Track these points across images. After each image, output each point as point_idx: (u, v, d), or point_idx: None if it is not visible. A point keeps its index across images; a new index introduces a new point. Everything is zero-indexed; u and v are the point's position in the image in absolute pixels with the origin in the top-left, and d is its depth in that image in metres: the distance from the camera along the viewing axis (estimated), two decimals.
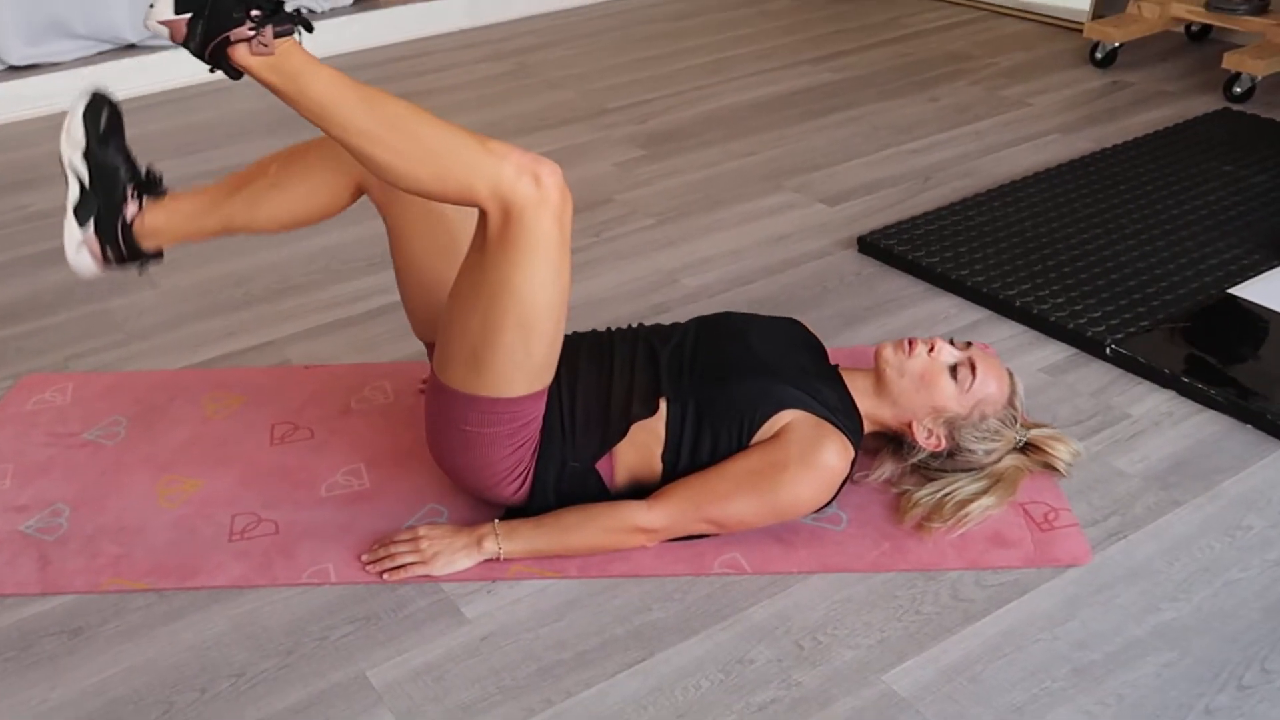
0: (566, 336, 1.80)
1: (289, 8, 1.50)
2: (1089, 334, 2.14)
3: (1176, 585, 1.62)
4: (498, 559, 1.68)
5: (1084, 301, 2.25)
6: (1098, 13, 3.80)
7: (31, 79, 3.59)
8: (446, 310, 1.64)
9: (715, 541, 1.71)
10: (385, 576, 1.68)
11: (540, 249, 1.52)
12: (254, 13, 1.45)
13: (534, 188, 1.50)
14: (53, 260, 2.66)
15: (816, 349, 1.87)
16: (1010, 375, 1.79)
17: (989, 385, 1.75)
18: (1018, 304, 2.25)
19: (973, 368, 1.75)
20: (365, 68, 3.84)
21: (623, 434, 1.70)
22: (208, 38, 1.46)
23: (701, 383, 1.71)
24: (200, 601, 1.66)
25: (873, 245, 2.52)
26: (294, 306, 2.44)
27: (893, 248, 2.48)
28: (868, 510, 1.78)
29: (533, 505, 1.72)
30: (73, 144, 1.73)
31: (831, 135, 3.16)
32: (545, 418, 1.70)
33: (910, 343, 1.77)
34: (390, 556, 1.70)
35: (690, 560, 1.69)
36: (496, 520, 1.71)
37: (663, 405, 1.70)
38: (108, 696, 1.52)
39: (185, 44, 1.49)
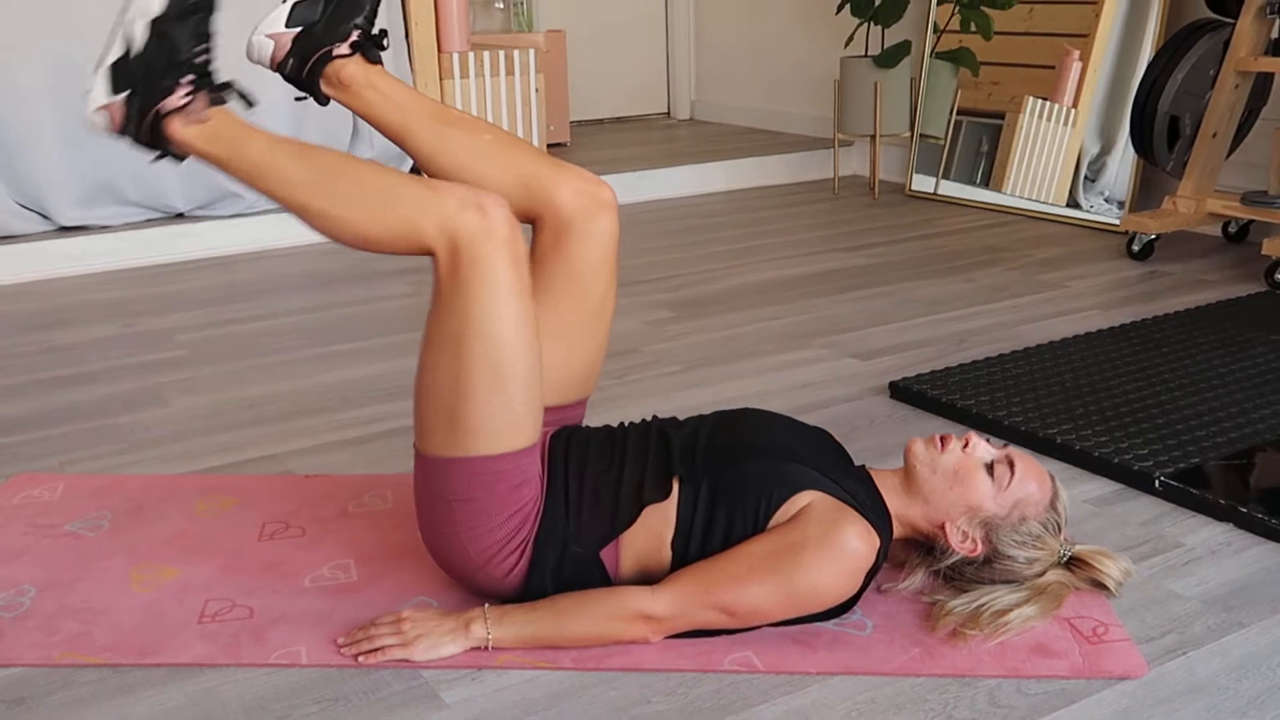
0: (577, 429, 1.71)
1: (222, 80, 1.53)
2: (1136, 468, 2.01)
3: (1247, 701, 1.43)
4: (486, 647, 1.53)
5: (1129, 440, 2.12)
6: (1134, 209, 3.82)
7: (79, 238, 3.66)
8: (418, 374, 1.56)
9: (726, 639, 1.55)
10: (361, 659, 1.53)
11: (495, 282, 1.47)
12: (184, 80, 1.47)
13: (479, 218, 1.46)
14: (66, 385, 2.63)
15: (843, 453, 1.75)
16: (1052, 479, 1.66)
17: (1029, 485, 1.62)
18: (1059, 440, 2.13)
19: (1011, 465, 1.62)
20: None
21: (633, 519, 1.57)
22: (144, 113, 1.48)
23: (717, 463, 1.60)
24: (157, 678, 1.51)
25: (905, 390, 2.42)
26: (303, 426, 2.36)
27: (926, 391, 2.39)
28: (896, 618, 1.62)
29: (529, 593, 1.58)
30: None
31: (862, 306, 3.12)
32: (548, 498, 1.58)
33: (943, 438, 1.66)
34: (369, 638, 1.55)
35: (697, 657, 1.52)
36: (487, 605, 1.57)
37: (675, 487, 1.58)
38: None
39: (124, 130, 1.51)
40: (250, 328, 3.02)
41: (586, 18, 5.81)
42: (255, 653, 1.55)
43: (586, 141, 5.41)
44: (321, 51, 1.59)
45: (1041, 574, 1.63)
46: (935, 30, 4.47)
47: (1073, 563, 1.66)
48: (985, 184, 4.40)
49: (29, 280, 3.54)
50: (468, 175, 1.66)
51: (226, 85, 1.53)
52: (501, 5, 5.39)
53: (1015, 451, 1.65)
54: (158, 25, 1.51)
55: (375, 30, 1.66)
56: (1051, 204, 4.14)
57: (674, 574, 1.55)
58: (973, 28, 4.33)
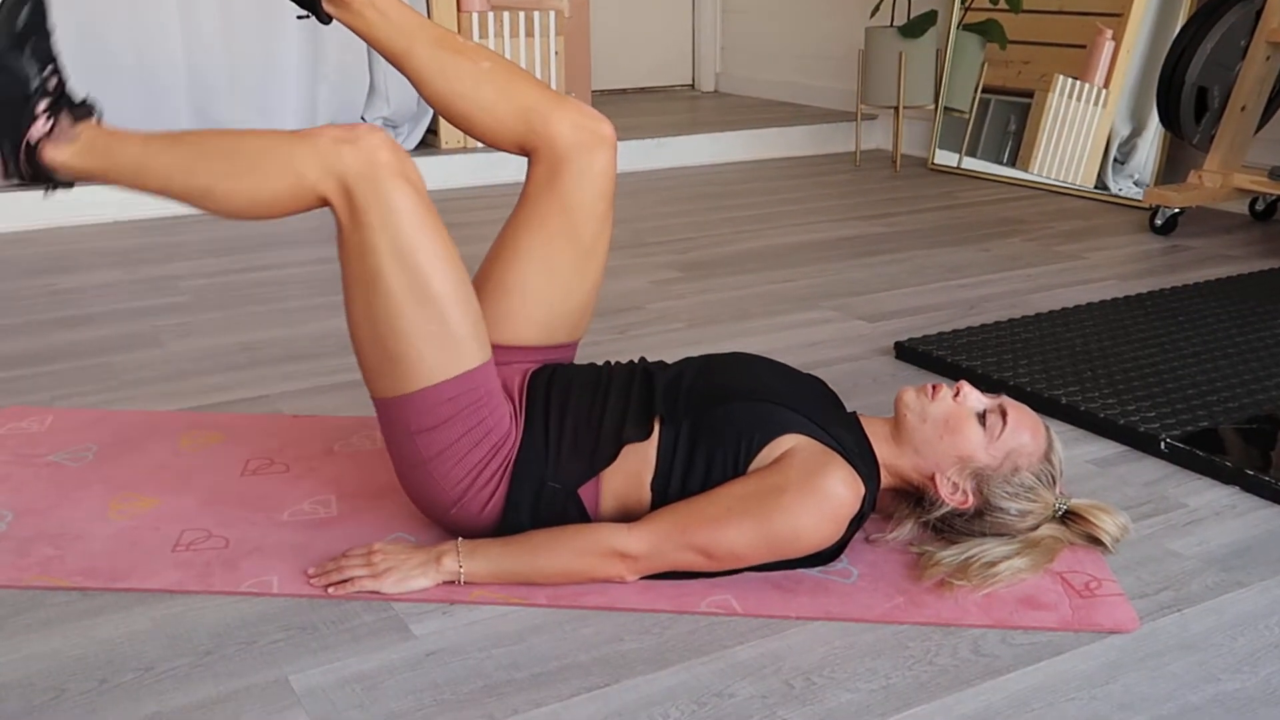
0: (561, 366, 1.67)
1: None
2: (1141, 429, 1.95)
3: (1240, 659, 1.38)
4: (457, 581, 1.49)
5: (1136, 403, 2.06)
6: (1159, 183, 3.74)
7: (90, 188, 3.63)
8: (349, 325, 1.53)
9: (706, 582, 1.51)
10: (331, 590, 1.50)
11: (393, 209, 1.44)
12: (40, 106, 1.47)
13: (356, 151, 1.44)
14: (65, 325, 2.61)
15: (834, 400, 1.70)
16: (1047, 430, 1.60)
17: (1022, 435, 1.56)
18: (1063, 401, 2.07)
19: (1003, 414, 1.57)
20: None
21: (613, 457, 1.54)
22: (16, 150, 1.47)
23: (700, 404, 1.55)
24: (125, 602, 1.49)
25: (910, 350, 2.37)
26: (296, 370, 2.33)
27: (931, 352, 2.33)
28: (882, 567, 1.57)
29: (505, 530, 1.55)
30: None
31: (875, 271, 3.07)
32: (526, 432, 1.55)
33: (934, 387, 1.61)
34: (339, 569, 1.52)
35: (674, 598, 1.48)
36: (460, 538, 1.53)
37: (657, 427, 1.54)
38: None
39: (7, 173, 1.50)
40: (251, 277, 3.00)
41: None
42: (226, 581, 1.53)
43: (608, 110, 5.35)
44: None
45: (1034, 528, 1.58)
46: (963, 2, 4.39)
47: (1068, 517, 1.61)
48: (1012, 163, 4.33)
49: (35, 228, 3.53)
50: (465, 102, 1.63)
51: (84, 101, 1.53)
52: None
53: (1008, 401, 1.59)
54: None
55: None
56: (1079, 185, 4.06)
57: (652, 513, 1.51)
58: (1001, 1, 4.25)
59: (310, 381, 2.27)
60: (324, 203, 1.47)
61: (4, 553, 1.60)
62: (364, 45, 4.02)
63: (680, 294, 2.86)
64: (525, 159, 1.68)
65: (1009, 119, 4.37)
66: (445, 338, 1.48)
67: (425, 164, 4.12)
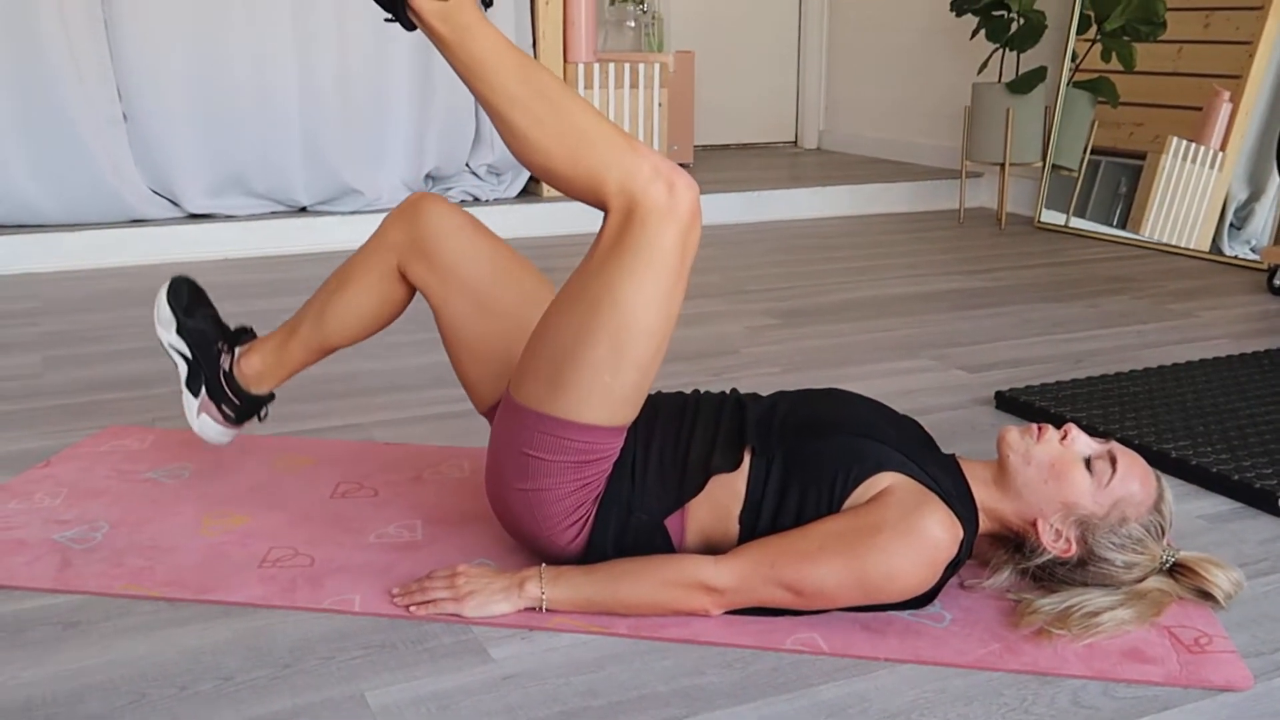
0: (650, 395, 1.65)
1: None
2: (1258, 486, 1.86)
3: None
4: (540, 607, 1.47)
5: (1252, 459, 1.97)
6: (1277, 241, 3.61)
7: (207, 226, 3.76)
8: (540, 322, 1.51)
9: (790, 620, 1.47)
10: (413, 609, 1.49)
11: (655, 262, 1.40)
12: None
13: (666, 194, 1.40)
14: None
15: (930, 441, 1.65)
16: (1158, 478, 1.53)
17: (1131, 483, 1.49)
18: (1173, 455, 1.99)
19: (1113, 461, 1.50)
20: (520, 248, 3.91)
21: (700, 488, 1.51)
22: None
23: (795, 436, 1.52)
24: (210, 613, 1.50)
25: (1011, 400, 2.30)
26: (391, 400, 2.35)
27: (1034, 402, 2.26)
28: (977, 612, 1.51)
29: (589, 558, 1.52)
30: (165, 325, 1.81)
31: (977, 323, 3.00)
32: (616, 463, 1.53)
33: (1040, 428, 1.55)
34: (422, 590, 1.51)
35: (758, 634, 1.44)
36: (543, 564, 1.51)
37: (747, 458, 1.51)
38: (79, 682, 1.34)
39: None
40: None
41: (717, 41, 5.80)
42: (309, 597, 1.53)
43: (710, 163, 5.38)
44: None
45: (1140, 579, 1.50)
46: (1074, 59, 4.32)
47: (1176, 570, 1.53)
48: (1122, 225, 4.22)
49: (156, 262, 3.65)
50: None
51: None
52: (633, 24, 5.41)
53: (1118, 447, 1.53)
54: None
55: None
56: (1193, 249, 3.94)
57: (741, 546, 1.47)
58: (1114, 59, 4.18)
59: (405, 412, 2.28)
60: (603, 208, 1.44)
61: (98, 561, 1.62)
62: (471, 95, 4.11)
63: (777, 339, 2.83)
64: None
65: (1120, 181, 4.27)
66: (612, 391, 1.46)
67: (527, 211, 4.17)
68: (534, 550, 1.57)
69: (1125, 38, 4.15)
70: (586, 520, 1.51)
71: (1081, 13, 4.31)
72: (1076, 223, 4.33)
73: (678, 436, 1.55)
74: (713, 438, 1.54)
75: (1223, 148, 3.93)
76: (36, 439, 2.12)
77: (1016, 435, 1.56)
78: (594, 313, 1.43)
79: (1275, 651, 1.43)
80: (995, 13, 4.31)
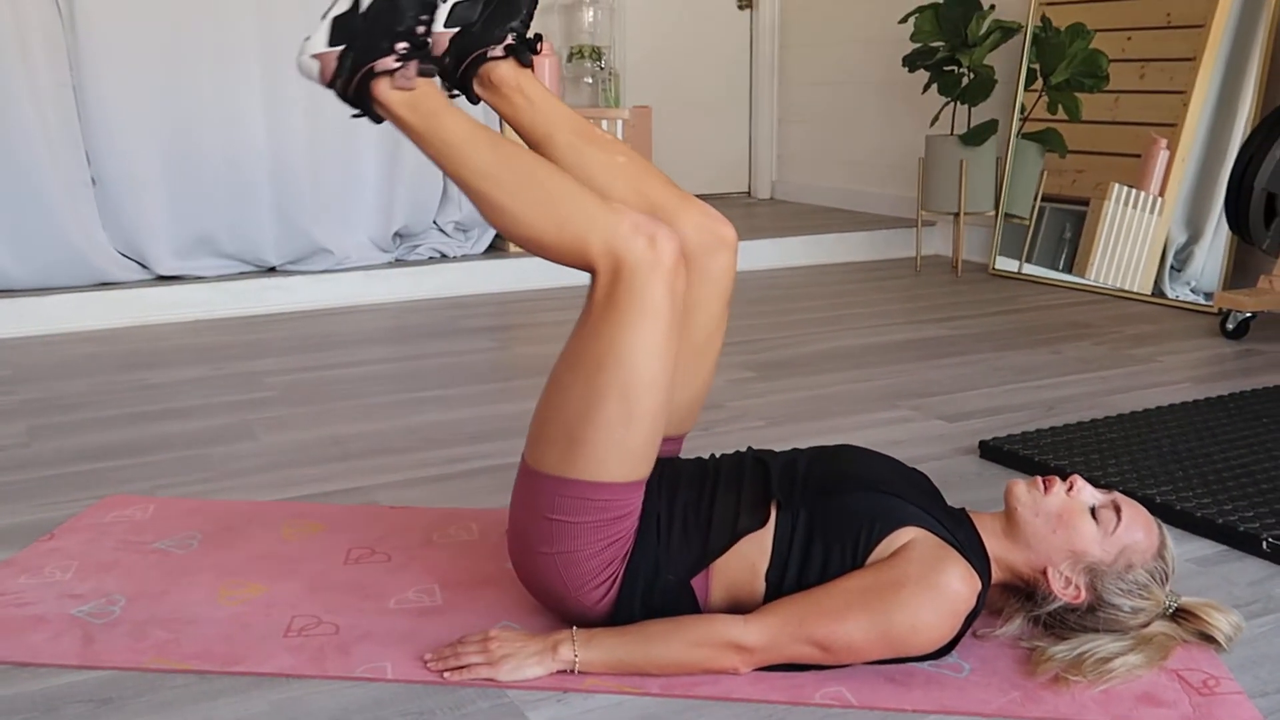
0: (668, 460, 1.69)
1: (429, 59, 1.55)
2: (1242, 529, 1.94)
3: None
4: (572, 670, 1.50)
5: (1232, 503, 2.05)
6: (1227, 287, 3.75)
7: (175, 288, 3.75)
8: (546, 390, 1.55)
9: (816, 674, 1.51)
10: (446, 675, 1.51)
11: (648, 313, 1.45)
12: (400, 46, 1.50)
13: (648, 248, 1.45)
14: (158, 419, 2.67)
15: (939, 495, 1.71)
16: (1159, 527, 1.60)
17: (1135, 531, 1.56)
18: (1158, 500, 2.06)
19: (1117, 510, 1.57)
20: (489, 304, 3.95)
21: (727, 547, 1.55)
22: (355, 68, 1.51)
23: (816, 494, 1.57)
24: (242, 686, 1.51)
25: (995, 449, 2.38)
26: (388, 463, 2.37)
27: (1018, 451, 2.34)
28: (993, 662, 1.56)
29: (617, 619, 1.56)
30: None
31: (948, 372, 3.08)
32: (642, 526, 1.56)
33: (1046, 481, 1.61)
34: (455, 656, 1.53)
35: (787, 689, 1.48)
36: (575, 627, 1.54)
37: (773, 515, 1.55)
38: None
39: (332, 83, 1.55)
40: (337, 374, 3.06)
41: (673, 96, 5.91)
42: (340, 665, 1.54)
43: None
44: (477, 52, 1.61)
45: (1146, 624, 1.57)
46: (1022, 112, 4.47)
47: (1179, 614, 1.60)
48: (1068, 269, 4.36)
49: (126, 325, 3.63)
50: (598, 193, 1.67)
51: (438, 60, 1.57)
52: (591, 80, 5.50)
53: (1121, 497, 1.60)
54: None
55: (529, 35, 1.69)
56: (1137, 291, 4.07)
57: (768, 605, 1.52)
58: (1060, 111, 4.33)
59: (402, 475, 2.30)
60: (590, 270, 1.49)
61: (120, 636, 1.62)
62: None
63: (758, 393, 2.89)
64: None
65: (1064, 226, 4.41)
66: (627, 446, 1.50)
67: (493, 267, 4.21)
68: (560, 612, 1.60)
69: (1071, 90, 4.30)
70: (614, 580, 1.54)
71: (1029, 67, 4.47)
72: (1028, 269, 4.46)
73: (700, 497, 1.59)
74: (737, 496, 1.58)
75: (1161, 193, 4.08)
76: (34, 511, 2.11)
77: (1024, 488, 1.62)
78: (599, 372, 1.47)
79: (1278, 691, 1.50)
80: (947, 68, 4.45)
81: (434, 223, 4.24)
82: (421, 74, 1.53)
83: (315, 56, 1.54)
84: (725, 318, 1.72)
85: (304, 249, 3.95)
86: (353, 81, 1.52)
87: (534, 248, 1.51)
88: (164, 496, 2.17)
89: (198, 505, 2.12)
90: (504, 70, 1.68)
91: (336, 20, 1.53)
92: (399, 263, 4.16)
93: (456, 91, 1.71)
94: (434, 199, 4.20)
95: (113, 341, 3.43)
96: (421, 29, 1.56)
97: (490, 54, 1.66)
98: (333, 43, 1.52)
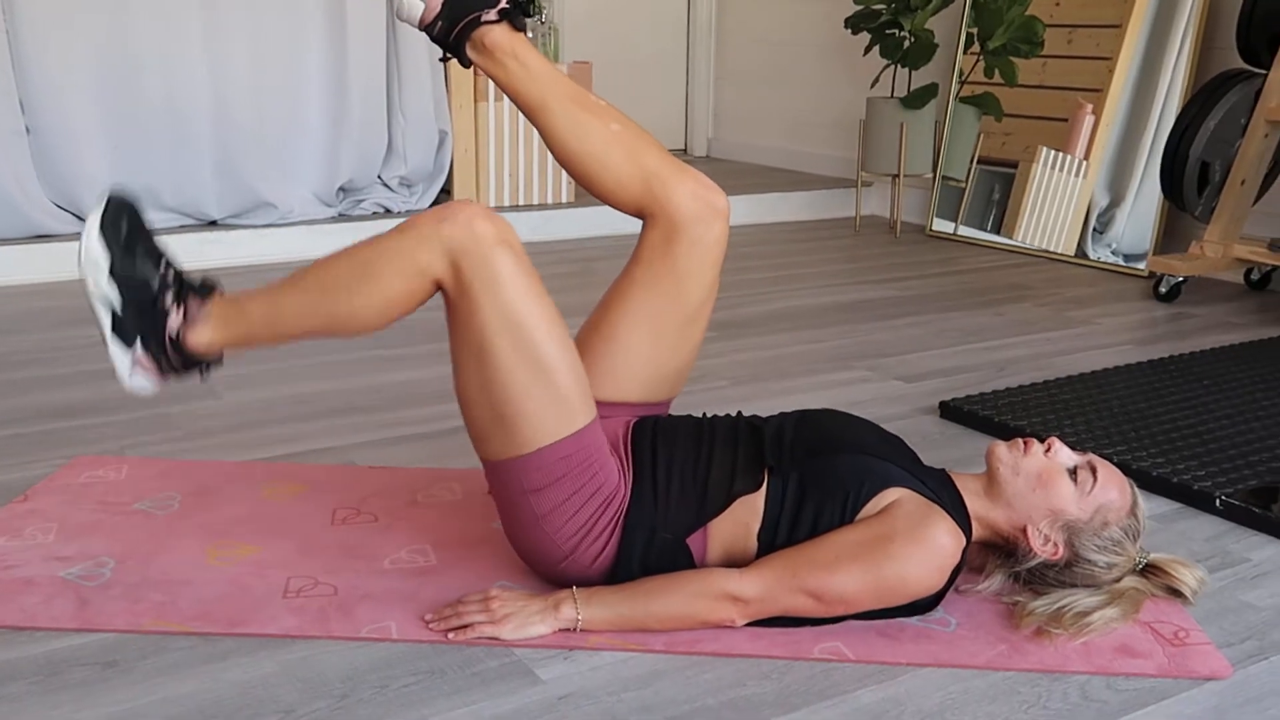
0: (661, 418, 1.73)
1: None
2: (1196, 488, 2.03)
3: None
4: (575, 628, 1.53)
5: (1185, 462, 2.15)
6: (1157, 252, 3.88)
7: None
8: (458, 399, 1.59)
9: (812, 630, 1.56)
10: (451, 636, 1.53)
11: (499, 276, 1.50)
12: (167, 299, 1.59)
13: (455, 227, 1.51)
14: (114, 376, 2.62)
15: (917, 458, 1.77)
16: (1132, 487, 1.68)
17: (1110, 491, 1.64)
18: (1114, 460, 2.15)
19: (1093, 471, 1.64)
20: None
21: (723, 508, 1.59)
22: (161, 347, 1.59)
23: (806, 456, 1.62)
24: (248, 647, 1.51)
25: (956, 410, 2.45)
26: (358, 422, 2.37)
27: (977, 411, 2.42)
28: (978, 616, 1.63)
29: (615, 579, 1.59)
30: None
31: (899, 333, 3.16)
32: (636, 484, 1.60)
33: (1026, 442, 1.68)
34: (457, 615, 1.55)
35: (787, 645, 1.53)
36: (575, 586, 1.58)
37: (766, 477, 1.60)
38: None
39: (163, 371, 1.62)
40: None
41: (612, 51, 5.88)
42: (345, 626, 1.56)
43: None
44: (470, 16, 1.63)
45: (1119, 580, 1.65)
46: (960, 76, 4.55)
47: (1148, 570, 1.68)
48: (996, 230, 4.47)
49: (66, 279, 3.53)
50: (594, 160, 1.69)
51: (203, 282, 1.65)
52: (531, 35, 5.45)
53: (1096, 458, 1.67)
54: (115, 274, 1.57)
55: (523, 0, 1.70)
56: (1062, 252, 4.19)
57: (763, 558, 1.56)
58: (996, 75, 4.42)
59: (375, 434, 2.30)
60: (438, 285, 1.53)
61: (116, 599, 1.62)
62: (384, 106, 4.10)
63: (717, 353, 2.93)
64: (627, 220, 1.75)
65: (993, 188, 4.52)
66: (554, 400, 1.53)
67: None
68: (558, 579, 1.62)
69: (1007, 55, 4.39)
70: (610, 534, 1.57)
71: (967, 31, 4.54)
72: (963, 230, 4.56)
73: (696, 457, 1.63)
74: (732, 459, 1.62)
75: (1086, 157, 4.20)
76: (1, 472, 2.07)
77: (1004, 450, 1.68)
78: (489, 351, 1.51)
79: (1244, 641, 1.59)
80: (889, 31, 4.50)
81: (379, 177, 4.19)
82: (204, 299, 1.62)
83: (134, 370, 1.60)
84: (716, 286, 1.75)
85: (246, 202, 3.89)
86: (171, 357, 1.59)
87: (396, 313, 1.56)
88: (137, 456, 2.14)
89: (171, 465, 2.10)
90: (497, 34, 1.68)
91: (114, 331, 1.60)
92: (343, 217, 4.11)
93: (447, 55, 1.71)
94: (379, 154, 4.15)
95: (57, 295, 3.35)
96: (170, 272, 1.61)
97: (484, 18, 1.67)
98: (130, 345, 1.59)
